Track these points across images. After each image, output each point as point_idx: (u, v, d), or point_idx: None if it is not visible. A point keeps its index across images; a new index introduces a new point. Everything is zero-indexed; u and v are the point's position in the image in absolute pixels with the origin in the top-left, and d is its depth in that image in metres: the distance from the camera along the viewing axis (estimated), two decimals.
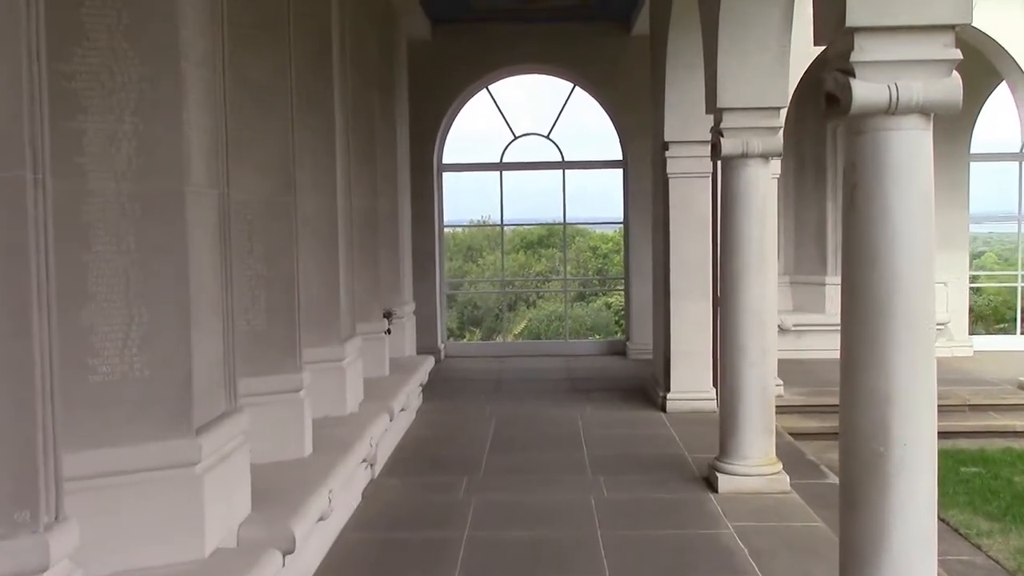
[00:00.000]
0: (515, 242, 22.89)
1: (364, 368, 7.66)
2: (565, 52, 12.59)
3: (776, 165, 9.61)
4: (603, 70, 12.60)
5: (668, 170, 9.22)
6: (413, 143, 11.97)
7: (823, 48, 4.10)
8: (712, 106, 6.59)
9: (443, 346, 13.15)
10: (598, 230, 22.21)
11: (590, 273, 22.10)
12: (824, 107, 4.00)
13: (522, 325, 20.55)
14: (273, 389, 5.27)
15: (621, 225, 13.80)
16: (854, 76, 3.78)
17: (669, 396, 9.30)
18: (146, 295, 3.67)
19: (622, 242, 24.98)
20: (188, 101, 3.85)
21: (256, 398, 5.19)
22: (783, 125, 6.52)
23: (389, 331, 8.53)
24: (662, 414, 9.22)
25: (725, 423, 6.70)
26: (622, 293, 22.61)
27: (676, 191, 9.24)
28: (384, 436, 7.03)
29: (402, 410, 7.69)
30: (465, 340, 19.30)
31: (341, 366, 6.49)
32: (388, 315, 8.64)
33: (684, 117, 9.10)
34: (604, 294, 21.72)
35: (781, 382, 9.88)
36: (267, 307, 5.29)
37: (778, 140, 6.48)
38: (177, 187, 3.73)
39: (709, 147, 9.08)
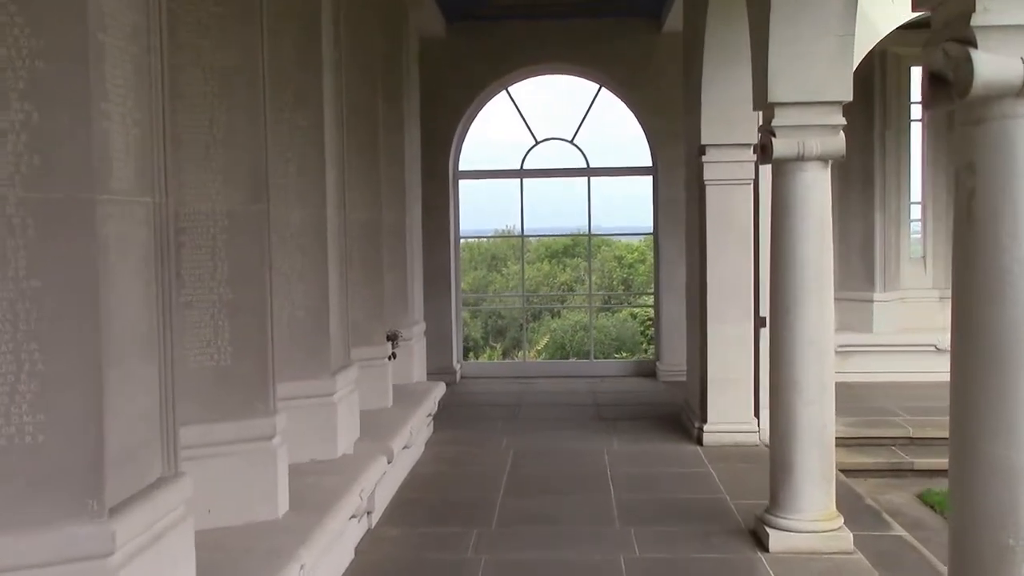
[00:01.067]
0: (539, 251, 22.74)
1: (363, 399, 6.80)
2: (590, 51, 11.69)
3: None
4: (632, 70, 11.69)
5: (705, 176, 8.30)
6: (425, 149, 11.11)
7: (909, 21, 3.18)
8: (762, 101, 5.67)
9: (459, 367, 12.26)
10: (623, 240, 21.69)
11: (615, 283, 21.38)
12: (928, 92, 3.11)
13: (545, 340, 19.62)
14: (239, 436, 4.41)
15: (650, 235, 12.87)
16: (975, 46, 2.88)
17: (706, 428, 8.35)
18: (41, 336, 2.80)
19: (651, 254, 24.45)
20: (107, 86, 2.98)
21: (217, 448, 4.35)
22: (844, 124, 5.58)
23: (394, 356, 7.65)
24: (698, 448, 8.28)
25: (776, 470, 5.76)
26: (648, 306, 22.36)
27: (714, 199, 8.31)
28: (383, 479, 6.15)
29: (405, 447, 6.80)
30: (484, 358, 18.40)
31: (331, 401, 5.62)
32: (393, 338, 7.76)
33: (723, 118, 8.19)
34: (629, 305, 21.09)
35: None
36: (233, 339, 4.42)
37: (840, 140, 5.54)
38: (86, 195, 2.86)
39: (750, 150, 8.24)
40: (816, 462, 5.60)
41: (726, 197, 8.29)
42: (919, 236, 12.26)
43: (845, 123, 5.57)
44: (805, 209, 5.55)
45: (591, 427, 9.26)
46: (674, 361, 11.64)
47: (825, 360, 5.62)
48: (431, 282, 11.47)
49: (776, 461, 5.75)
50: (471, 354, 19.39)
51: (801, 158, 5.50)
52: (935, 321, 11.81)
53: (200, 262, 4.34)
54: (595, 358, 13.20)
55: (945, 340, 11.32)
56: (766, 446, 8.36)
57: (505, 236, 18.80)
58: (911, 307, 11.81)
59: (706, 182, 8.31)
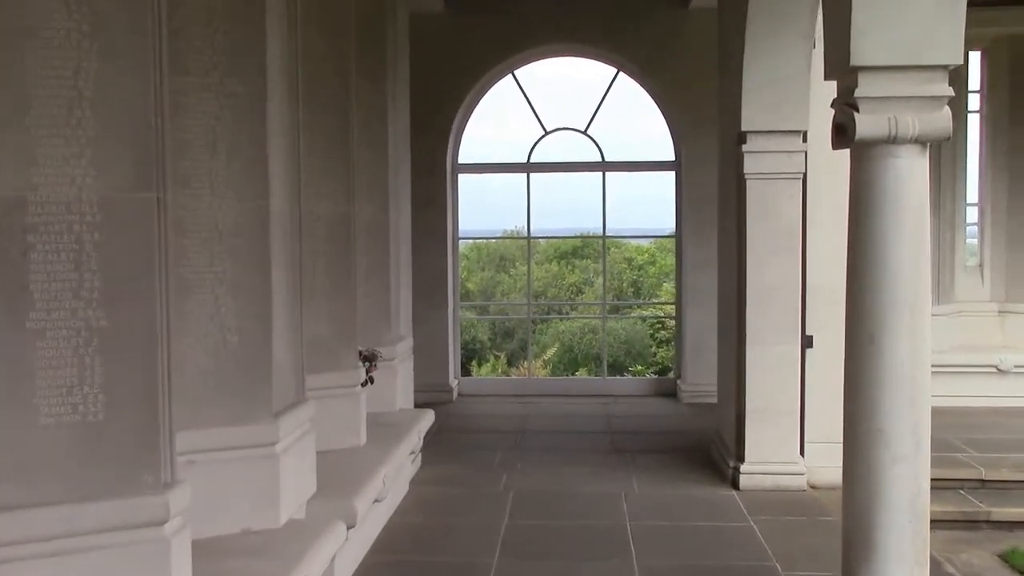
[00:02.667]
0: (548, 252, 22.13)
1: (328, 437, 5.52)
2: (606, 30, 10.34)
3: None
4: (653, 52, 10.33)
5: (745, 169, 6.96)
6: (419, 139, 9.77)
7: None
8: (839, 65, 4.32)
9: (456, 383, 10.92)
10: (633, 242, 20.91)
11: (624, 286, 20.72)
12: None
13: (553, 349, 18.32)
14: (116, 523, 3.09)
15: (671, 238, 11.53)
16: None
17: (743, 468, 7.01)
18: None
19: (663, 257, 23.35)
20: None
21: (85, 541, 3.04)
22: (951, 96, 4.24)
23: (370, 380, 6.33)
24: (734, 493, 6.93)
25: (852, 547, 4.41)
26: (662, 304, 21.22)
27: (756, 196, 6.97)
28: (348, 541, 4.84)
29: (377, 501, 5.47)
30: (487, 367, 17.11)
31: (272, 453, 4.29)
32: (369, 359, 6.44)
33: (768, 100, 6.87)
34: (639, 307, 20.31)
35: None
36: (106, 382, 3.10)
37: (944, 117, 4.19)
38: None
39: (799, 138, 6.91)
40: (908, 541, 4.25)
41: (771, 193, 6.95)
42: (975, 241, 10.90)
43: (951, 94, 4.23)
44: (898, 205, 4.19)
45: (606, 462, 7.91)
46: (698, 380, 10.31)
47: (921, 403, 4.27)
48: (425, 288, 10.14)
49: (852, 535, 4.40)
50: (475, 361, 18.20)
51: (893, 140, 4.15)
52: (994, 338, 10.46)
53: (58, 273, 3.02)
54: (607, 368, 11.80)
55: (1008, 360, 9.99)
56: (812, 488, 7.06)
57: (512, 237, 17.47)
58: (967, 322, 10.45)
59: (746, 176, 6.96)
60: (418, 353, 9.33)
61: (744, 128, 6.92)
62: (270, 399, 4.32)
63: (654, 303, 19.29)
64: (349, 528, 4.70)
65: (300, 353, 4.81)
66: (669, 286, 20.14)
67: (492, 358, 18.20)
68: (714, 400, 9.42)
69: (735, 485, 7.04)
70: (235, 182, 4.23)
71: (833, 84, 4.63)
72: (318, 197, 5.75)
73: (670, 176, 10.94)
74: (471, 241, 20.65)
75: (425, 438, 7.48)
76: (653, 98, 10.74)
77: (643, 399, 10.74)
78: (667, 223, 11.32)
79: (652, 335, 19.19)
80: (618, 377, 12.74)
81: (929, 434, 4.36)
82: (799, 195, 6.96)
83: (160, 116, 3.25)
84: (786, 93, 6.79)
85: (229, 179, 4.22)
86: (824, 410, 7.12)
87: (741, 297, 7.09)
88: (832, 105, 4.53)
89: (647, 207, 19.28)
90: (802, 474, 6.99)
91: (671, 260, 21.99)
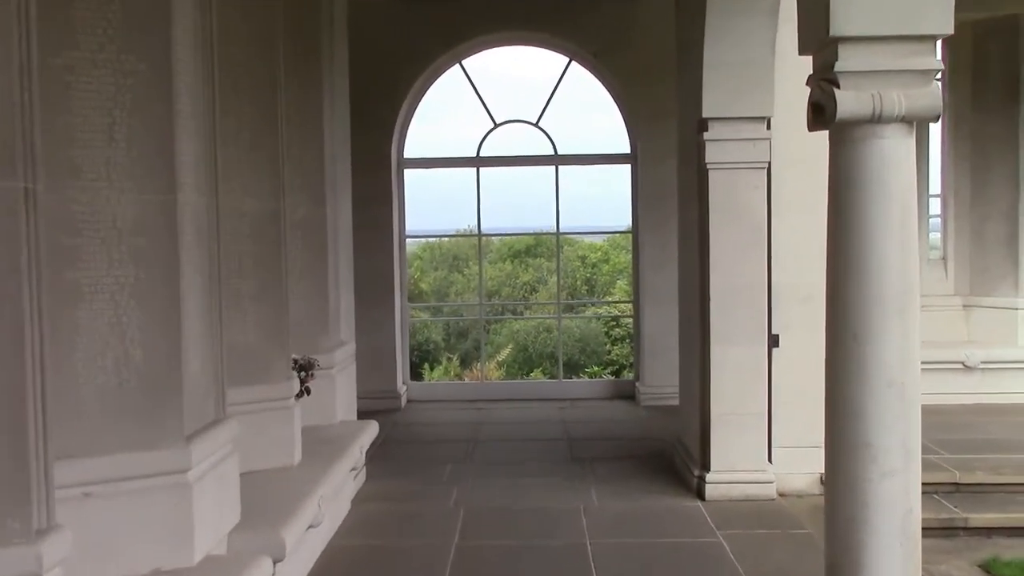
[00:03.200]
0: (502, 251, 22.07)
1: (258, 456, 5.02)
2: (558, 17, 9.88)
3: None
4: (608, 39, 9.89)
5: (707, 158, 6.54)
6: (362, 131, 9.25)
7: None
8: (817, 37, 3.89)
9: (405, 389, 10.40)
10: (586, 239, 20.90)
11: (578, 283, 20.71)
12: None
13: (507, 351, 17.84)
14: None
15: (627, 234, 11.11)
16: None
17: (709, 477, 6.58)
18: None
19: (616, 255, 23.08)
20: None
21: None
22: (942, 70, 3.82)
23: (306, 391, 5.80)
24: (700, 504, 6.51)
25: (837, 568, 3.98)
26: (617, 302, 20.99)
27: (719, 188, 6.55)
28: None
29: (312, 527, 4.94)
30: (439, 370, 16.56)
31: (184, 482, 3.75)
32: (305, 368, 5.91)
33: (731, 83, 6.44)
34: (594, 306, 20.16)
35: None
36: None
37: (933, 94, 3.77)
38: None
39: (764, 124, 6.50)
40: (899, 566, 3.84)
41: (734, 184, 6.53)
42: (938, 235, 10.60)
43: (942, 67, 3.81)
44: (884, 191, 3.77)
45: (563, 471, 7.45)
46: (657, 382, 9.90)
47: (911, 411, 3.85)
48: (370, 289, 9.63)
49: (837, 559, 3.97)
50: (428, 363, 17.69)
51: (877, 119, 3.73)
52: (959, 333, 10.18)
53: None
54: (563, 370, 11.34)
55: (974, 355, 9.69)
56: (782, 496, 6.66)
57: (464, 236, 16.97)
58: (931, 316, 10.13)
59: (708, 166, 6.54)
60: (363, 358, 8.83)
61: (705, 114, 6.50)
62: (181, 420, 3.78)
63: (610, 302, 18.98)
64: (277, 562, 4.18)
65: (219, 365, 4.27)
66: (623, 283, 20.45)
67: (445, 360, 17.66)
68: (674, 402, 9.02)
69: (700, 495, 6.62)
70: (137, 173, 3.68)
71: (802, 64, 4.23)
72: (244, 192, 5.22)
73: (625, 170, 10.52)
74: (423, 240, 20.24)
75: (370, 449, 6.99)
76: (607, 89, 10.30)
77: (600, 402, 10.29)
78: (621, 219, 10.88)
79: (607, 333, 19.01)
80: (574, 379, 12.28)
81: (919, 446, 3.95)
82: (764, 185, 6.55)
83: (28, 91, 2.71)
84: (750, 76, 6.38)
85: (130, 169, 3.67)
86: (792, 413, 6.74)
87: (704, 295, 6.67)
88: (808, 82, 4.10)
89: (601, 203, 19.03)
90: (771, 482, 6.58)
91: (625, 257, 22.27)
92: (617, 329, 18.66)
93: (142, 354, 3.70)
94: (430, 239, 20.18)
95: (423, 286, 21.13)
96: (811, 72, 4.06)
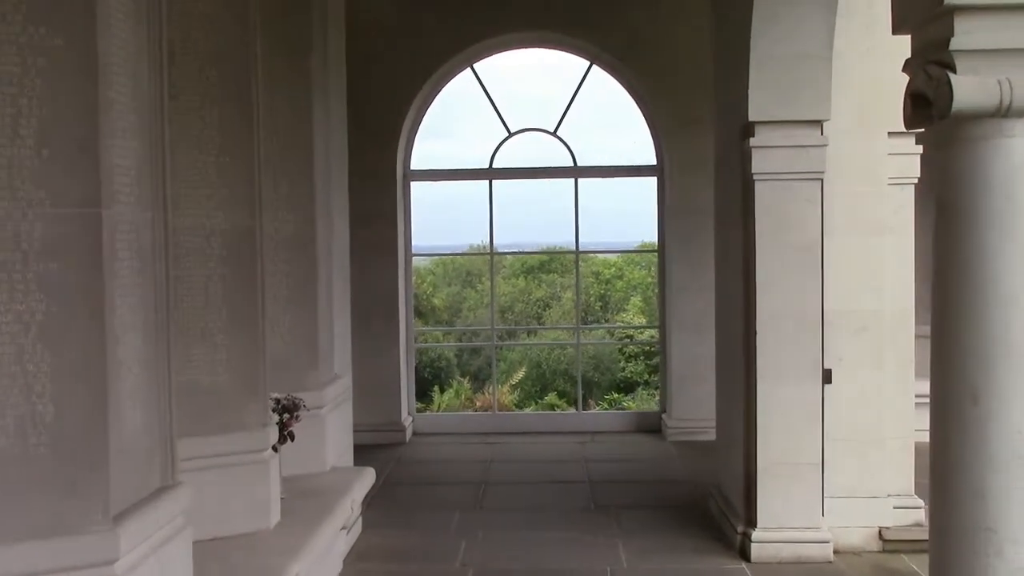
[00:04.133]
0: (515, 267, 21.49)
1: (226, 519, 4.28)
2: (577, 16, 9.06)
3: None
4: (632, 40, 9.05)
5: (753, 168, 5.69)
6: (364, 140, 8.49)
7: None
8: (924, 6, 3.04)
9: (410, 421, 9.54)
10: (600, 256, 20.45)
11: (592, 300, 20.08)
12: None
13: (520, 373, 16.99)
14: None
15: (651, 252, 10.25)
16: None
17: (756, 536, 5.70)
18: None
19: (632, 272, 22.34)
20: None
21: None
22: None
23: (288, 437, 4.95)
24: (744, 566, 5.65)
25: None
26: (631, 324, 20.29)
27: (766, 202, 5.70)
28: None
29: None
30: (448, 397, 15.69)
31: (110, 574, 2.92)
32: (287, 410, 5.06)
33: (782, 82, 5.62)
34: (606, 320, 19.74)
35: (920, 502, 6.23)
36: None
37: None
38: None
39: (819, 130, 5.65)
40: None
41: (785, 198, 5.68)
42: None
43: None
44: (1011, 207, 2.92)
45: (585, 523, 6.57)
46: (686, 415, 9.03)
47: None
48: (372, 313, 8.83)
49: None
50: (439, 383, 16.88)
51: (1005, 112, 2.89)
52: None
53: None
54: (581, 390, 10.45)
55: None
56: (837, 554, 5.78)
57: (474, 253, 16.14)
58: None
59: (755, 176, 5.69)
60: (364, 388, 8.10)
61: (751, 118, 5.66)
62: (106, 495, 2.95)
63: (635, 327, 18.36)
64: None
65: (168, 418, 3.44)
66: (636, 300, 20.02)
67: (455, 383, 16.78)
68: (706, 437, 8.21)
69: (745, 555, 5.74)
70: (50, 179, 2.87)
71: (857, 59, 3.43)
72: (212, 206, 4.40)
73: (650, 183, 9.67)
74: (436, 257, 19.58)
75: (370, 492, 6.16)
76: (631, 94, 9.46)
77: (624, 437, 9.41)
78: (639, 235, 10.07)
79: (620, 350, 18.41)
80: (595, 411, 11.40)
81: None
82: (819, 200, 5.70)
83: None
84: (804, 73, 5.55)
85: (40, 175, 2.85)
86: (845, 459, 5.90)
87: (749, 325, 5.81)
88: (905, 68, 3.25)
89: (620, 218, 18.24)
90: (828, 541, 5.71)
91: (639, 274, 21.84)
92: (632, 346, 18.16)
93: (54, 411, 2.87)
94: (441, 256, 19.45)
95: (436, 302, 20.39)
96: (913, 54, 3.20)
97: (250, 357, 4.53)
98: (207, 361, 4.38)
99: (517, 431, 9.61)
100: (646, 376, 17.78)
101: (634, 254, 19.58)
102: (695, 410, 8.87)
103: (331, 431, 5.81)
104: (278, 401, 5.06)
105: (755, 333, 5.71)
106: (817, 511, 5.75)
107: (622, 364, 18.53)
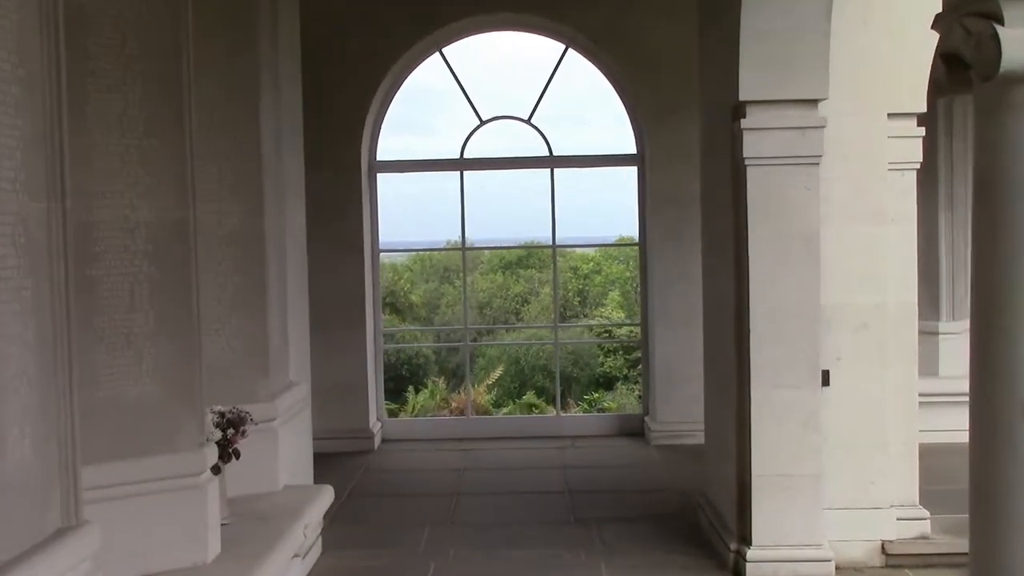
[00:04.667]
0: (493, 262, 21.25)
1: (156, 554, 3.74)
2: None
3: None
4: (608, 18, 8.54)
5: (745, 152, 5.19)
6: (325, 131, 8.02)
7: None
8: None
9: (379, 427, 9.00)
10: (578, 250, 20.37)
11: (570, 295, 20.01)
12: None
13: (498, 373, 16.47)
14: None
15: (632, 246, 9.77)
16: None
17: (751, 554, 5.21)
18: None
19: (612, 266, 21.95)
20: None
21: None
22: None
23: (232, 457, 4.43)
24: None
25: None
26: (608, 319, 19.89)
27: (759, 189, 5.21)
28: None
29: None
30: (423, 398, 15.14)
31: None
32: (233, 425, 4.54)
33: (777, 58, 5.14)
34: (584, 315, 19.65)
35: (926, 513, 5.75)
36: None
37: None
38: None
39: (816, 109, 5.17)
40: None
41: (779, 184, 5.19)
42: None
43: None
44: None
45: (565, 539, 6.07)
46: (671, 418, 8.56)
47: None
48: (335, 312, 8.31)
49: None
50: (414, 382, 16.32)
51: None
52: None
53: None
54: (560, 397, 9.95)
55: None
56: (839, 571, 5.31)
57: (450, 248, 15.63)
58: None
59: (746, 161, 5.20)
60: (329, 393, 7.67)
61: (743, 97, 5.16)
62: None
63: (617, 324, 18.11)
64: None
65: (71, 442, 2.91)
66: (615, 294, 19.70)
67: (430, 383, 16.22)
68: (692, 441, 7.78)
69: (738, 575, 5.26)
70: None
71: (865, 29, 2.97)
72: (135, 195, 3.87)
73: (630, 173, 9.18)
74: (412, 253, 19.29)
75: (334, 506, 5.66)
76: (610, 80, 8.95)
77: (605, 441, 8.91)
78: (618, 228, 9.58)
79: (599, 346, 18.16)
80: (574, 414, 10.90)
81: None
82: (816, 186, 5.21)
83: None
84: (800, 48, 5.06)
85: None
86: (844, 468, 5.45)
87: (741, 323, 5.32)
88: (936, 24, 2.75)
89: (598, 211, 17.80)
90: (829, 560, 5.23)
91: (617, 268, 21.59)
92: (610, 340, 17.88)
93: None
94: (417, 251, 19.08)
95: (414, 298, 20.03)
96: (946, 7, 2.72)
97: (182, 366, 4.01)
98: (131, 371, 3.86)
99: (492, 436, 9.09)
100: (625, 371, 17.59)
101: (612, 248, 19.39)
102: (680, 412, 8.41)
103: (285, 445, 5.28)
104: (222, 415, 4.55)
105: (748, 332, 5.22)
106: (817, 526, 5.27)
107: (601, 359, 18.18)
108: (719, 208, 5.72)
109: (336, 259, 8.40)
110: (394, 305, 19.26)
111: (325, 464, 6.92)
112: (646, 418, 8.98)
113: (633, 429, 9.08)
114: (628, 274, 20.29)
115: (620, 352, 17.79)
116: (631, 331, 19.31)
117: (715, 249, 5.91)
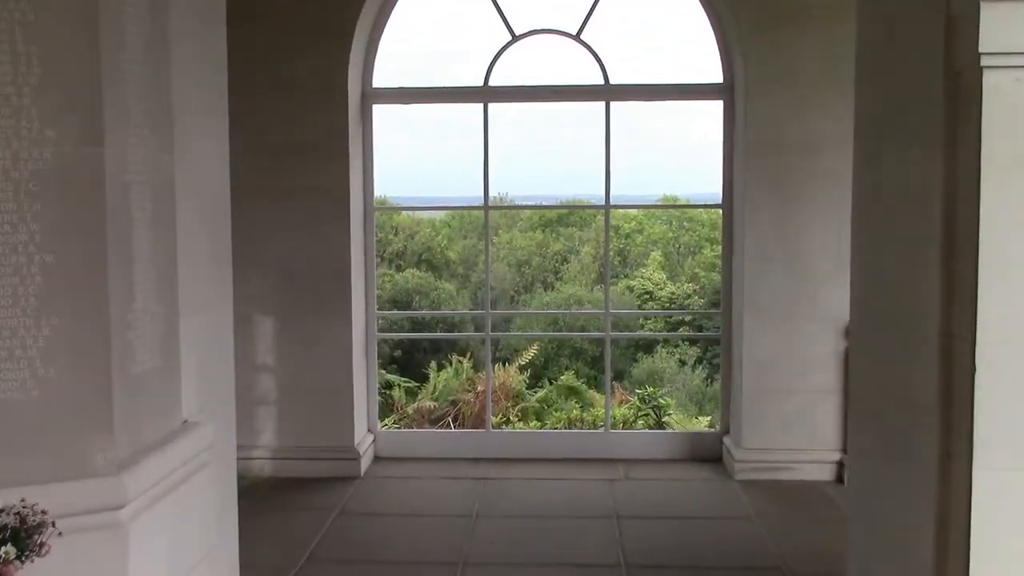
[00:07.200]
0: (532, 219, 20.52)
1: None
2: None
3: None
4: None
5: (982, 47, 2.82)
6: (289, 39, 5.78)
7: None
8: None
9: (370, 442, 6.78)
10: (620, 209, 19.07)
11: (611, 254, 18.05)
12: None
13: (532, 353, 14.30)
14: None
15: (714, 208, 7.46)
16: None
17: None
18: None
19: (663, 228, 20.09)
20: None
21: None
22: None
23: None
24: None
25: None
26: (651, 282, 18.27)
27: (1009, 110, 2.84)
28: None
29: None
30: (445, 377, 13.01)
31: None
32: (10, 539, 2.34)
33: None
34: (626, 276, 18.73)
35: None
36: None
37: None
38: None
39: None
40: None
41: None
42: None
43: None
44: None
45: None
46: (763, 443, 6.35)
47: None
48: (307, 290, 6.15)
49: None
50: (435, 361, 14.14)
51: None
52: None
53: None
54: (611, 428, 7.67)
55: None
56: None
57: (469, 207, 13.52)
58: None
59: (984, 61, 2.83)
60: (300, 399, 5.84)
61: None
62: None
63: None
64: None
65: None
66: (657, 255, 19.21)
67: (455, 362, 14.02)
68: (788, 475, 5.76)
69: None
70: None
71: None
72: None
73: (716, 106, 6.80)
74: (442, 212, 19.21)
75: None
76: None
77: (670, 469, 6.64)
78: (692, 185, 7.30)
79: (639, 306, 17.50)
80: (630, 431, 8.64)
81: None
82: None
83: None
84: None
85: None
86: None
87: (953, 352, 3.00)
88: None
89: (650, 157, 15.94)
90: None
91: (660, 228, 20.08)
92: (651, 303, 17.45)
93: None
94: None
95: (451, 255, 19.27)
96: None
97: None
98: None
99: (519, 456, 6.86)
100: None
101: (657, 209, 19.18)
102: (776, 436, 6.27)
103: (149, 548, 3.03)
104: None
105: (973, 370, 2.90)
106: None
107: (641, 322, 17.33)
108: (905, 148, 3.36)
109: (311, 219, 6.20)
110: (430, 261, 18.44)
111: (286, 498, 4.95)
112: (726, 439, 6.71)
113: (709, 453, 6.81)
114: (671, 234, 20.02)
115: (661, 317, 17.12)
116: (672, 293, 17.87)
117: (892, 219, 3.55)
